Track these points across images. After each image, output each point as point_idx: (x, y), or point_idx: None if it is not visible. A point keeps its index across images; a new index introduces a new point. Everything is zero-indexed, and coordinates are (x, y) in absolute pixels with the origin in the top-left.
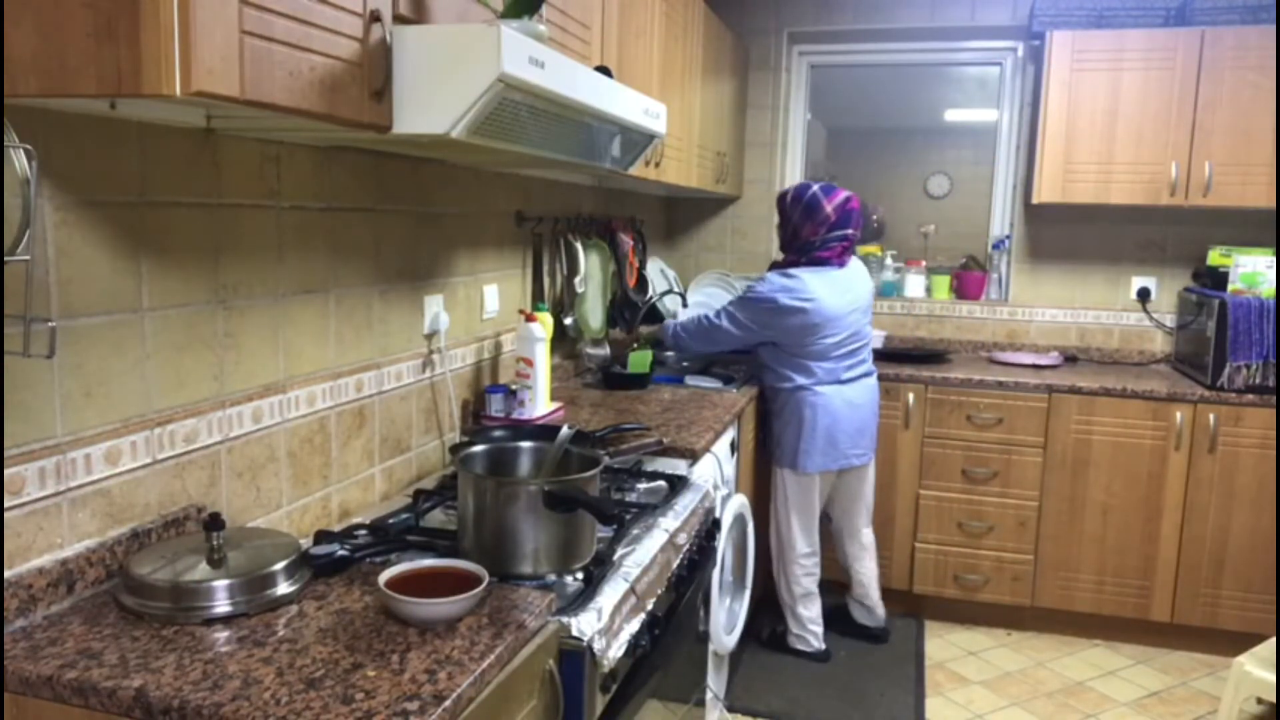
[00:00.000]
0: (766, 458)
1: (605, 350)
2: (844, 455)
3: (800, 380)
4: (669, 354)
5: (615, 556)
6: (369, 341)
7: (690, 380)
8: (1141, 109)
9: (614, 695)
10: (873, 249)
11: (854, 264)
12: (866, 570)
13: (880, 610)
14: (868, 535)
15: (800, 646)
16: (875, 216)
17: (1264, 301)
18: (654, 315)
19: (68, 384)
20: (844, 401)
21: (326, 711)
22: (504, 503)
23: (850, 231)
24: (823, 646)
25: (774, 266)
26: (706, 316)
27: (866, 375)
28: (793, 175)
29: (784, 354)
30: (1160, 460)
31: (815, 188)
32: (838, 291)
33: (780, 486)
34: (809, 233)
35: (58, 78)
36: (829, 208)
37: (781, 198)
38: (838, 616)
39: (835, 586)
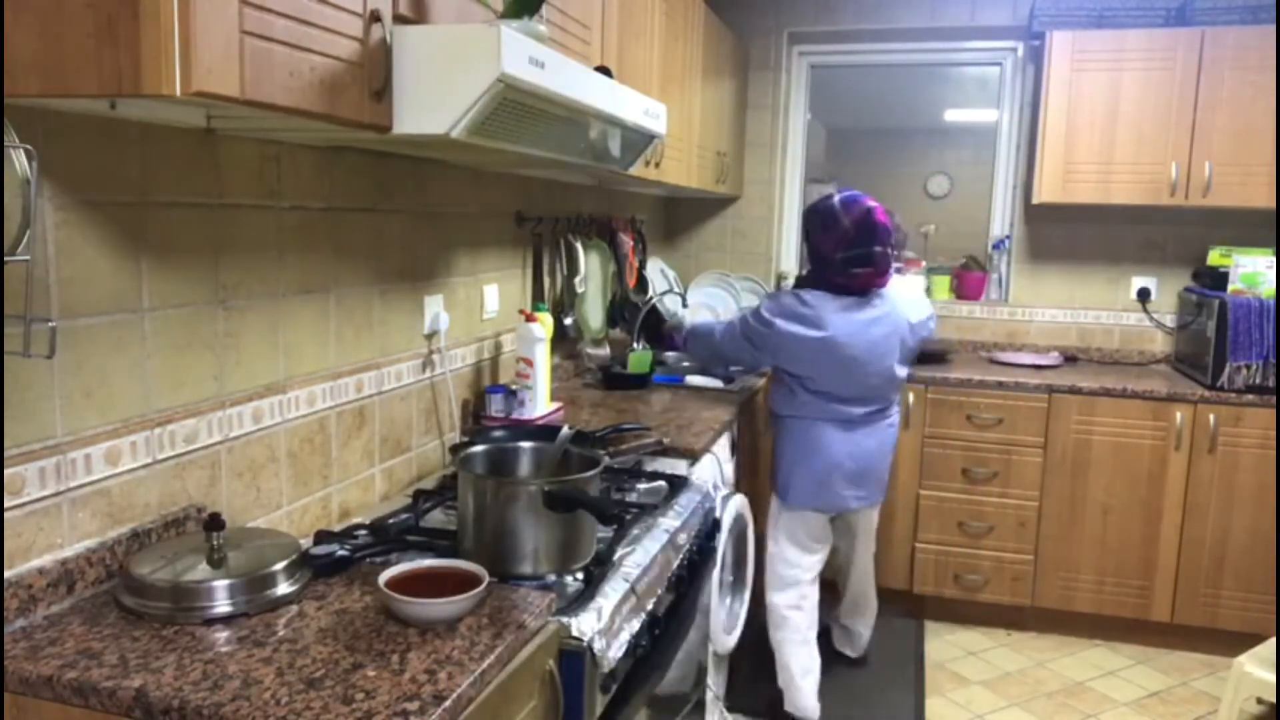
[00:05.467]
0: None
1: (605, 350)
2: (838, 497)
3: (799, 411)
4: (669, 354)
5: (615, 556)
6: (369, 341)
7: (690, 380)
8: (1141, 109)
9: (614, 695)
10: None
11: (887, 294)
12: (860, 601)
13: (865, 637)
14: (867, 569)
15: (790, 710)
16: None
17: (1264, 301)
18: (654, 316)
19: (68, 384)
20: (848, 445)
21: (326, 711)
22: (504, 503)
23: (875, 249)
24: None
25: (799, 283)
26: (714, 330)
27: (883, 419)
28: (793, 175)
29: (788, 376)
30: (1160, 460)
31: (838, 197)
32: (858, 324)
33: (773, 510)
34: (828, 248)
35: (58, 78)
36: (847, 220)
37: (807, 209)
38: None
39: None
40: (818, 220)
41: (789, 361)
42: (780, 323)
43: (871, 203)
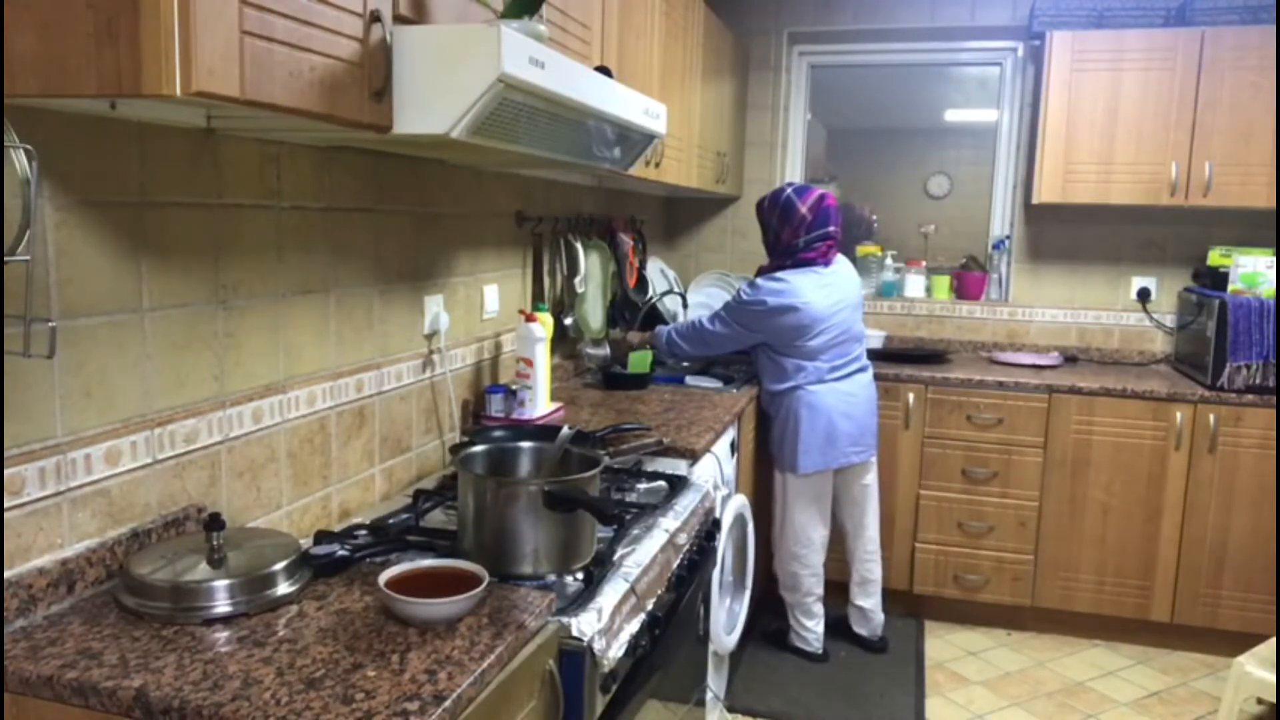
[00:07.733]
0: (768, 460)
1: (605, 350)
2: (842, 453)
3: (794, 380)
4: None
5: (615, 556)
6: (369, 341)
7: (690, 380)
8: (1141, 109)
9: (614, 695)
10: (872, 249)
11: (840, 262)
12: (868, 573)
13: (879, 618)
14: (873, 538)
15: (799, 645)
16: (873, 216)
17: (1264, 301)
18: (654, 316)
19: (68, 384)
20: (839, 398)
21: (326, 711)
22: (504, 503)
23: (831, 229)
24: (820, 649)
25: (761, 271)
26: (699, 321)
27: (860, 371)
28: (792, 175)
29: (777, 354)
30: (1160, 460)
31: (789, 190)
32: (826, 290)
33: (781, 489)
34: (789, 236)
35: (58, 78)
36: (804, 209)
37: (759, 205)
38: (836, 623)
39: (835, 589)
40: (778, 213)
41: (777, 335)
42: (771, 300)
43: (820, 190)
